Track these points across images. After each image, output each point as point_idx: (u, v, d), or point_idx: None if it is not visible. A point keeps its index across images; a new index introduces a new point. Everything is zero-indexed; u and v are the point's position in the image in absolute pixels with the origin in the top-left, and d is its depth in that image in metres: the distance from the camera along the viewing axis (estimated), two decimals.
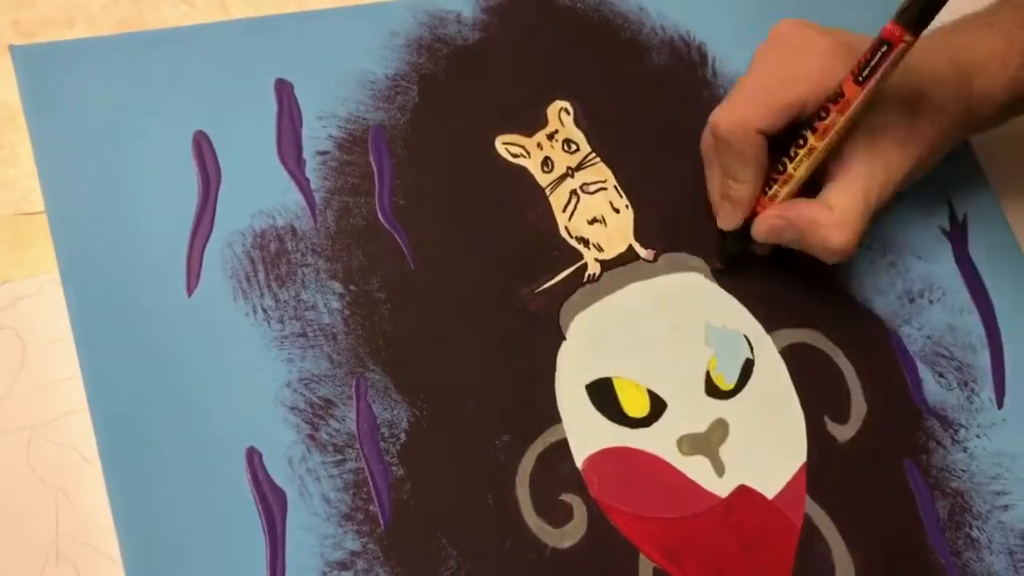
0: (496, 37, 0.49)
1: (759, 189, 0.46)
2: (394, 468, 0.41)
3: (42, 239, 0.41)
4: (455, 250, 0.45)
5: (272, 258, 0.43)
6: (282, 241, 0.43)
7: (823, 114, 0.43)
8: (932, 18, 0.41)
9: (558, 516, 0.42)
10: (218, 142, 0.44)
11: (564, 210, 0.47)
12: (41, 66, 0.43)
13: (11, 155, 0.43)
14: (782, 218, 0.45)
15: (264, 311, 0.42)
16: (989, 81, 0.46)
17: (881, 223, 0.52)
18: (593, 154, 0.49)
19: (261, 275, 0.42)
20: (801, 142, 0.44)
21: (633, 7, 0.52)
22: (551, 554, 0.41)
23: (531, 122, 0.49)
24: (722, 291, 0.48)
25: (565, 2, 0.52)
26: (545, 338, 0.45)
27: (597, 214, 0.48)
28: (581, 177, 0.48)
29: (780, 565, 0.43)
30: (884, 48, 0.41)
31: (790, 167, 0.45)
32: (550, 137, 0.48)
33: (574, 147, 0.49)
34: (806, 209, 0.45)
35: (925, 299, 0.51)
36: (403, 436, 0.41)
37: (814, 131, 0.44)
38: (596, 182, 0.48)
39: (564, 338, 0.45)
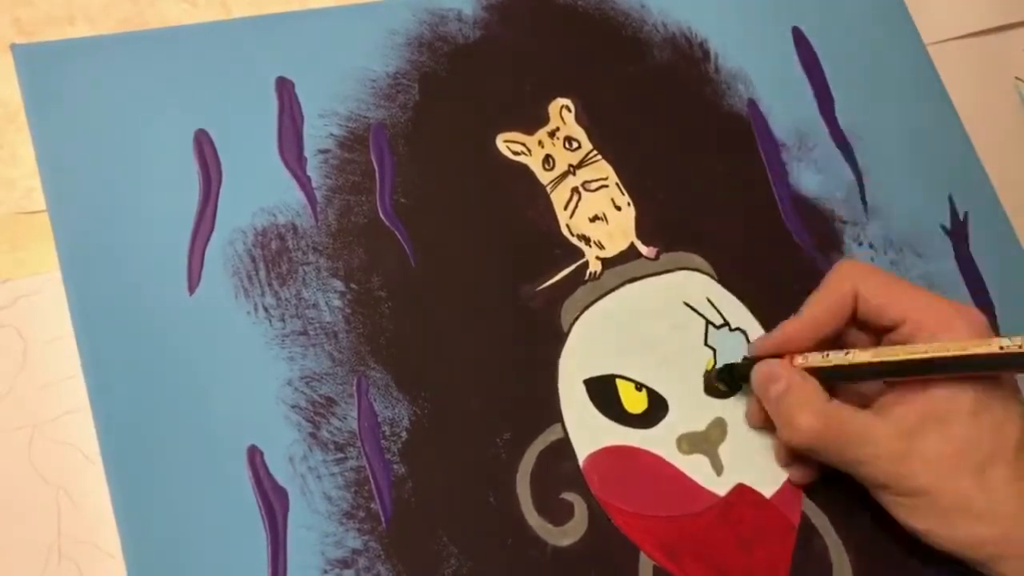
0: (497, 35, 0.49)
1: (805, 332, 0.43)
2: (395, 466, 0.41)
3: (43, 238, 0.41)
4: (456, 248, 0.45)
5: (273, 256, 0.43)
6: (283, 239, 0.43)
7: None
8: None
9: (559, 514, 0.42)
10: (219, 140, 0.44)
11: (565, 208, 0.47)
12: (42, 65, 0.43)
13: (12, 154, 0.43)
14: (783, 374, 0.42)
15: (265, 309, 0.42)
16: None
17: (882, 222, 0.52)
18: (594, 152, 0.49)
19: (262, 273, 0.42)
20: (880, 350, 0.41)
21: (635, 4, 0.52)
22: (552, 552, 0.41)
23: (532, 120, 0.48)
24: (723, 290, 0.48)
25: (566, 0, 0.52)
26: (546, 336, 0.45)
27: (598, 212, 0.48)
28: (582, 175, 0.48)
29: (778, 563, 0.44)
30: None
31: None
32: (551, 135, 0.48)
33: (575, 145, 0.49)
34: (810, 386, 0.42)
35: None
36: (404, 434, 0.41)
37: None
38: (597, 180, 0.48)
39: (565, 336, 0.45)
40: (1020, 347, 0.38)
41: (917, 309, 0.42)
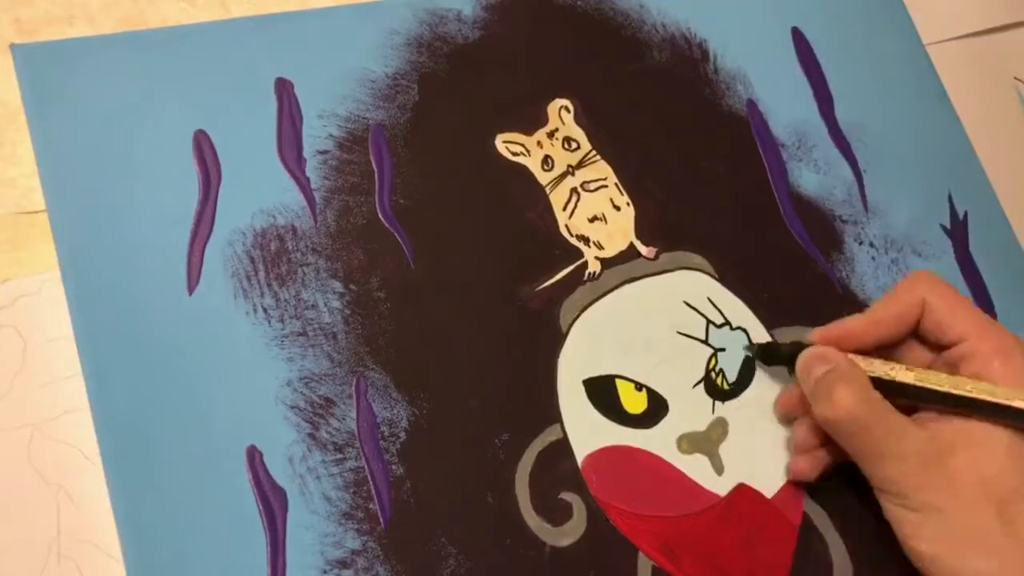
0: (496, 35, 0.49)
1: (867, 330, 0.43)
2: (394, 467, 0.41)
3: (43, 237, 0.41)
4: (455, 249, 0.45)
5: (272, 257, 0.43)
6: (282, 240, 0.43)
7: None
8: None
9: (558, 515, 0.42)
10: (218, 141, 0.44)
11: (564, 208, 0.47)
12: (42, 65, 0.43)
13: (12, 153, 0.43)
14: (833, 359, 0.42)
15: (264, 310, 0.42)
16: None
17: (882, 221, 0.52)
18: (593, 152, 0.49)
19: (261, 274, 0.42)
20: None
21: (634, 4, 0.52)
22: (550, 552, 0.41)
23: (531, 120, 0.48)
24: (723, 289, 0.48)
25: (565, 0, 0.52)
26: (545, 337, 0.45)
27: (598, 212, 0.48)
28: (582, 175, 0.48)
29: (779, 563, 0.44)
30: None
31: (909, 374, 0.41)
32: (550, 135, 0.48)
33: (574, 145, 0.49)
34: (855, 369, 0.41)
35: None
36: (403, 435, 0.42)
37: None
38: (597, 180, 0.48)
39: (564, 337, 0.45)
40: None
41: (979, 332, 0.41)
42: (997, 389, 0.39)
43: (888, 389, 0.41)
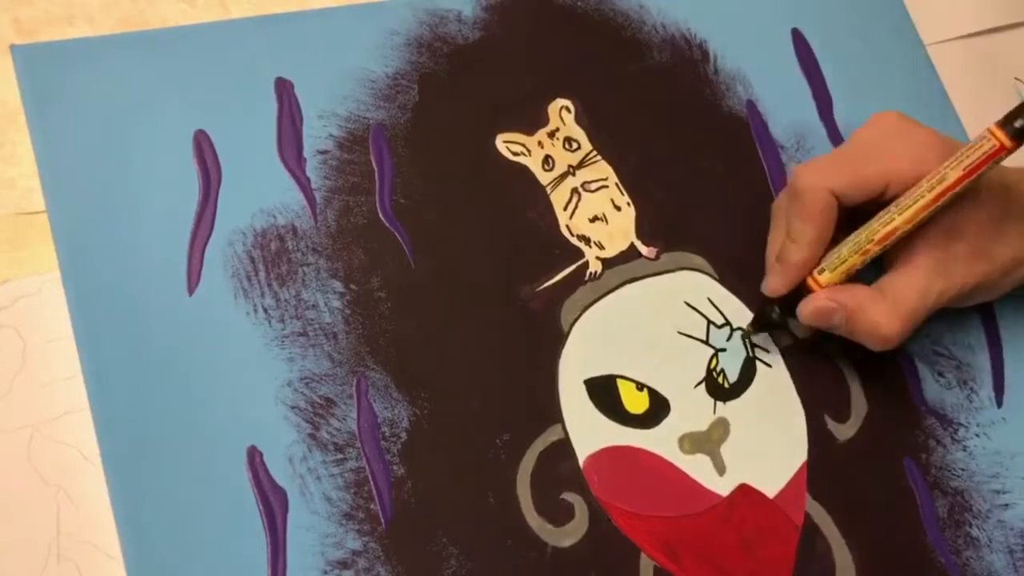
0: (497, 35, 0.49)
1: (815, 256, 0.44)
2: (395, 467, 0.41)
3: (43, 238, 0.41)
4: (456, 249, 0.45)
5: (273, 257, 0.43)
6: (283, 240, 0.43)
7: (912, 194, 0.43)
8: None
9: (559, 515, 0.42)
10: (218, 141, 0.44)
11: (565, 208, 0.47)
12: (42, 65, 0.43)
13: (11, 154, 0.43)
14: (834, 300, 0.44)
15: (265, 310, 0.42)
16: None
17: None
18: (594, 152, 0.49)
19: (262, 274, 0.42)
20: (883, 217, 0.43)
21: (634, 5, 0.52)
22: (552, 553, 0.41)
23: (532, 120, 0.48)
24: (724, 290, 0.48)
25: (566, 0, 0.52)
26: (546, 337, 0.45)
27: (598, 212, 0.48)
28: (582, 175, 0.48)
29: (781, 564, 0.43)
30: (987, 147, 0.41)
31: (862, 236, 0.44)
32: (551, 135, 0.48)
33: (575, 145, 0.49)
34: (859, 293, 0.44)
35: None
36: (404, 435, 0.41)
37: (898, 207, 0.43)
38: (597, 180, 0.48)
39: (565, 337, 0.45)
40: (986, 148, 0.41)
41: (887, 168, 0.44)
42: (921, 184, 0.42)
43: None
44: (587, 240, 0.47)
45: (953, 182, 0.41)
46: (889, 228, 0.43)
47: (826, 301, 0.44)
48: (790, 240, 0.45)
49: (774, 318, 0.46)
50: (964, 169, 0.41)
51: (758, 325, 0.47)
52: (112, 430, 0.39)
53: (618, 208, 0.48)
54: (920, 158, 0.43)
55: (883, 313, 0.43)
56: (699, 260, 0.48)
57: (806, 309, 0.44)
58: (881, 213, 0.43)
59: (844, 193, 0.44)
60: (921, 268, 0.43)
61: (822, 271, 0.44)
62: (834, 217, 0.44)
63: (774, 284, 0.45)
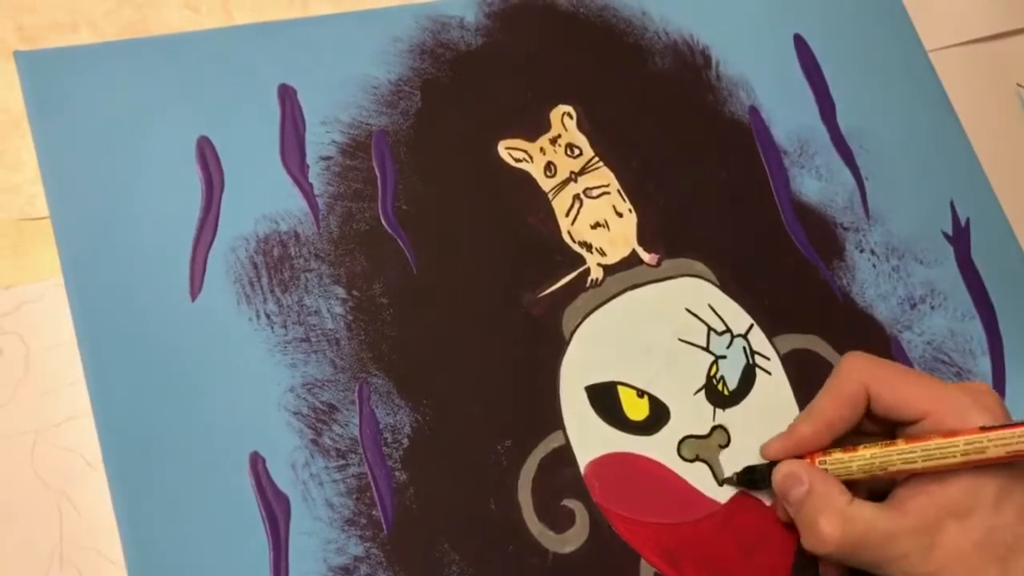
0: (499, 42, 0.49)
1: (821, 439, 0.43)
2: (397, 473, 0.41)
3: (46, 244, 0.41)
4: (458, 255, 0.45)
5: (275, 263, 0.43)
6: (285, 246, 0.43)
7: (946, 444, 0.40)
8: None
9: (560, 521, 0.42)
10: (221, 147, 0.44)
11: (567, 215, 0.47)
12: (45, 72, 0.43)
13: (15, 160, 0.43)
14: (807, 478, 0.41)
15: (267, 316, 0.42)
16: None
17: (884, 228, 0.52)
18: (596, 158, 0.49)
19: (264, 280, 0.42)
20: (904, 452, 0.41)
21: (636, 11, 0.52)
22: (553, 559, 0.41)
23: (534, 126, 0.49)
24: (725, 296, 0.48)
25: (568, 7, 0.52)
26: (547, 343, 0.45)
27: (600, 218, 0.48)
28: (584, 181, 0.48)
29: (779, 571, 0.44)
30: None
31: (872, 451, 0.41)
32: (553, 142, 0.49)
33: (577, 151, 0.49)
34: (833, 491, 0.41)
35: (927, 304, 0.51)
36: (406, 441, 0.42)
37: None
38: (599, 186, 0.48)
39: (566, 343, 0.45)
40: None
41: (932, 403, 0.41)
42: (958, 443, 0.39)
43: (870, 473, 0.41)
44: (589, 246, 0.47)
45: (991, 458, 0.39)
46: (907, 468, 0.40)
47: (802, 474, 0.42)
48: (806, 411, 0.44)
49: (756, 478, 0.44)
50: (1007, 452, 0.39)
51: (742, 478, 0.44)
52: (115, 435, 0.39)
53: (620, 214, 0.48)
54: (963, 414, 0.40)
55: (830, 511, 0.40)
56: (700, 267, 0.48)
57: (781, 472, 0.42)
58: (901, 443, 0.41)
59: (878, 400, 0.42)
60: (902, 514, 0.40)
61: (824, 463, 0.42)
62: (859, 414, 0.43)
63: (773, 448, 0.44)
